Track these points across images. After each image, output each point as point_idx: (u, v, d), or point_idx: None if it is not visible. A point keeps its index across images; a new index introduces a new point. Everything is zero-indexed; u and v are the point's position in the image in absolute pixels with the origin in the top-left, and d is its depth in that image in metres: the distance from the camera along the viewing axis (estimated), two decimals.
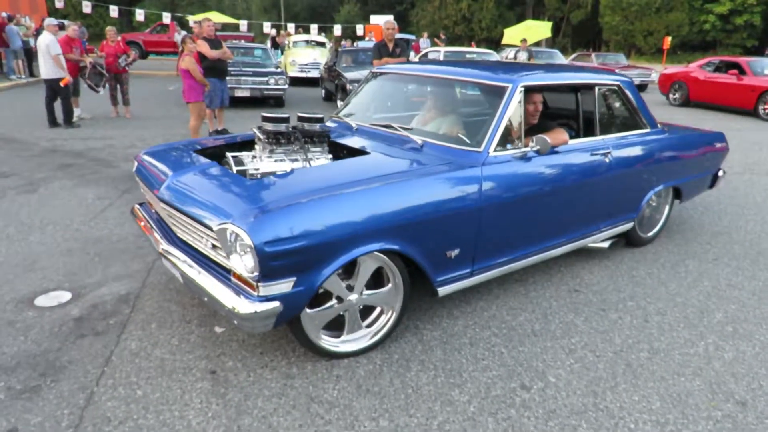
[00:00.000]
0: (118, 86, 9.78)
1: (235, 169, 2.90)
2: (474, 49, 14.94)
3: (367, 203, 2.40)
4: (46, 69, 8.13)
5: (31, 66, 14.78)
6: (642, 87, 18.94)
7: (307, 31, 24.37)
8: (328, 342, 2.57)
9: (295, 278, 2.23)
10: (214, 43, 7.76)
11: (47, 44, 7.99)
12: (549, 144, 2.94)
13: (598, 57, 20.75)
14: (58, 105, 8.40)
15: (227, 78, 10.49)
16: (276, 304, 2.19)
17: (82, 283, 3.28)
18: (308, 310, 2.43)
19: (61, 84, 8.20)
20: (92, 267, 3.52)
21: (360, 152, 3.11)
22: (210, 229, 2.30)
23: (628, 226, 3.91)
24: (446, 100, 3.56)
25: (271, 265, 2.12)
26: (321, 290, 2.43)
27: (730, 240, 4.43)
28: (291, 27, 24.80)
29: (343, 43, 20.03)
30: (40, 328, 2.76)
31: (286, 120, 3.06)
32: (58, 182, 5.47)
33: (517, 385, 2.46)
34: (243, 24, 24.63)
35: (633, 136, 3.78)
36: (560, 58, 19.46)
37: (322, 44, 19.08)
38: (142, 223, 3.08)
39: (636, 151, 3.71)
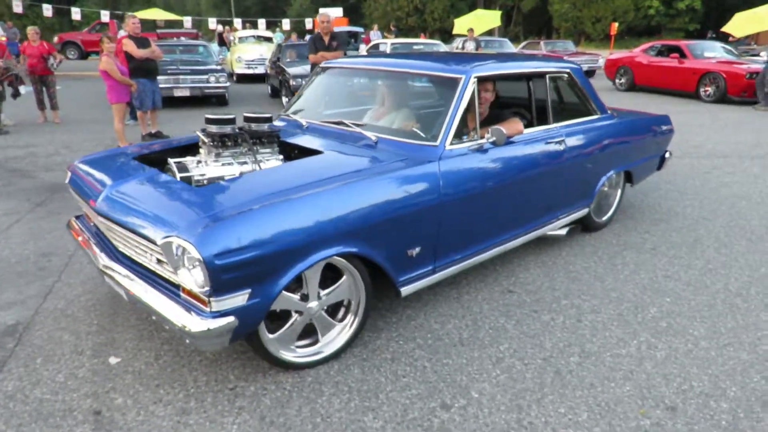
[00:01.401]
0: (44, 89, 9.18)
1: (179, 176, 2.67)
2: (421, 40, 14.76)
3: (322, 207, 2.25)
4: None
5: None
6: (590, 73, 19.20)
7: (255, 26, 23.74)
8: (307, 354, 2.47)
9: (250, 290, 2.06)
10: (141, 41, 7.32)
11: None
12: (505, 135, 2.89)
13: (547, 44, 20.91)
14: None
15: (162, 77, 10.11)
16: (231, 319, 2.02)
17: None
18: (270, 336, 2.31)
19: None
20: None
21: (312, 152, 2.90)
22: (154, 242, 2.07)
23: (584, 212, 3.94)
24: (399, 93, 3.41)
25: (222, 278, 1.95)
26: (277, 310, 2.31)
27: (669, 228, 4.37)
28: (238, 23, 24.12)
29: (290, 38, 19.58)
30: None
31: (231, 121, 2.86)
32: None
33: (437, 405, 2.27)
34: (187, 20, 23.80)
35: (584, 122, 3.77)
36: (510, 47, 19.55)
37: (269, 39, 18.59)
38: (80, 238, 2.80)
39: (588, 137, 3.70)
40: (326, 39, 6.81)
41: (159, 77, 9.59)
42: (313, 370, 2.48)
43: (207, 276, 1.91)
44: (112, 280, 2.40)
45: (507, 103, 4.12)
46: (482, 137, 2.93)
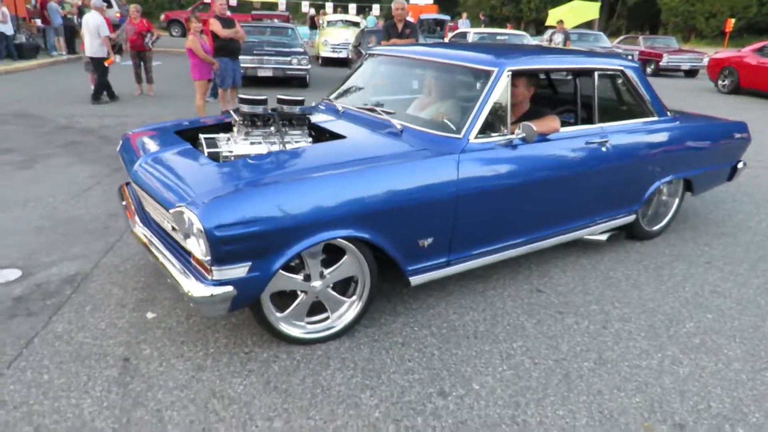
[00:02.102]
0: (142, 64, 9.92)
1: (207, 151, 2.83)
2: (507, 30, 14.38)
3: (329, 190, 2.33)
4: (93, 48, 8.46)
5: (72, 43, 15.25)
6: (692, 72, 17.93)
7: (346, 11, 24.14)
8: (319, 329, 2.59)
9: (250, 263, 2.18)
10: (227, 22, 7.71)
11: (97, 25, 8.35)
12: (535, 131, 2.80)
13: (646, 40, 19.70)
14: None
15: (247, 57, 10.60)
16: (229, 288, 2.16)
17: (37, 262, 3.31)
18: (278, 314, 2.46)
19: (106, 63, 8.54)
20: (54, 246, 3.55)
21: (338, 136, 3.00)
22: (168, 211, 2.28)
23: (630, 218, 3.72)
24: (440, 84, 3.39)
25: (223, 249, 2.09)
26: (287, 291, 2.47)
27: (732, 242, 4.07)
28: (329, 6, 24.63)
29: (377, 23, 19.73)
30: None
31: (264, 102, 2.99)
32: (58, 159, 5.58)
33: (434, 391, 2.31)
34: (282, 3, 24.60)
35: (637, 124, 3.58)
36: (605, 41, 18.58)
37: (356, 24, 18.85)
38: (123, 203, 3.11)
39: (638, 139, 3.52)
40: (399, 26, 6.86)
41: (245, 57, 10.14)
42: (324, 345, 2.60)
43: (207, 246, 2.06)
44: (142, 243, 2.64)
45: (553, 99, 4.03)
46: (512, 133, 2.87)
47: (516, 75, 3.03)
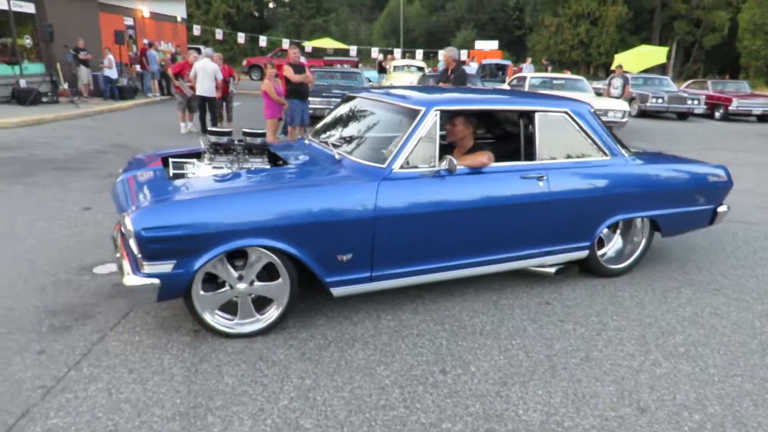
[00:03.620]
0: (224, 104, 11.16)
1: (172, 172, 3.46)
2: (564, 75, 14.79)
3: (251, 204, 2.83)
4: (207, 88, 9.92)
5: (164, 86, 17.10)
6: (765, 117, 17.46)
7: (413, 56, 25.37)
8: (221, 323, 3.01)
9: (175, 261, 2.69)
10: (298, 68, 8.71)
11: (215, 70, 9.91)
12: (455, 164, 3.15)
13: (716, 84, 19.46)
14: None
15: (316, 98, 11.62)
16: (155, 281, 2.66)
17: None
18: (202, 292, 2.89)
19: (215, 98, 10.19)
20: None
21: (287, 163, 3.58)
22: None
23: (581, 254, 3.86)
24: (381, 120, 3.74)
25: (149, 248, 2.61)
26: (220, 279, 2.95)
27: (749, 273, 4.30)
28: (398, 52, 25.97)
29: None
30: (87, 288, 3.59)
31: (228, 134, 3.68)
32: None
33: (437, 369, 2.80)
34: (353, 49, 26.24)
35: (580, 162, 3.74)
36: (669, 85, 18.54)
37: (421, 69, 19.84)
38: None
39: (582, 177, 3.68)
40: (449, 71, 7.55)
41: (314, 99, 11.17)
42: (351, 330, 3.16)
43: (137, 244, 2.60)
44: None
45: (502, 137, 4.52)
46: (438, 165, 3.22)
47: (455, 114, 3.61)
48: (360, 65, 24.17)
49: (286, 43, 26.04)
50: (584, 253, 3.86)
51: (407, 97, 3.57)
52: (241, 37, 25.81)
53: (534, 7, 47.85)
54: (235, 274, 2.95)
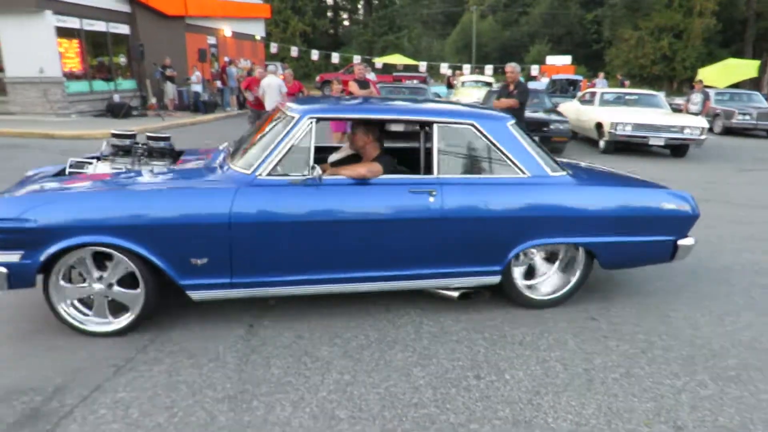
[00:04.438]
0: None
1: (68, 171, 3.57)
2: (638, 90, 14.32)
3: (95, 202, 2.92)
4: (273, 103, 10.42)
5: (241, 100, 18.10)
6: None
7: (482, 71, 25.35)
8: (75, 317, 3.09)
9: (22, 252, 2.84)
10: (363, 84, 9.04)
11: (279, 85, 10.40)
12: (320, 173, 3.09)
13: None
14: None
15: None
16: (3, 270, 2.84)
17: None
18: (62, 282, 3.01)
19: None
20: None
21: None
22: None
23: (492, 279, 3.53)
24: (269, 127, 3.58)
25: (8, 236, 2.80)
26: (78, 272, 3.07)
27: None
28: (467, 68, 26.04)
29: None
30: None
31: (132, 137, 3.83)
32: None
33: (472, 375, 2.89)
34: (423, 65, 26.58)
35: (485, 179, 3.44)
36: (759, 101, 17.43)
37: (489, 84, 19.82)
38: None
39: (485, 195, 3.36)
40: (510, 87, 7.58)
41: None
42: (393, 333, 3.30)
43: None
44: None
45: (410, 148, 4.38)
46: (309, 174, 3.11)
47: (357, 123, 3.58)
48: (431, 80, 24.39)
49: (357, 60, 26.83)
50: (495, 279, 3.53)
51: (292, 106, 3.43)
52: (314, 54, 26.87)
53: (613, 20, 46.37)
54: (96, 274, 3.03)
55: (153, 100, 16.74)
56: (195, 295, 3.13)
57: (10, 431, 2.33)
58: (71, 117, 14.53)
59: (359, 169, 3.30)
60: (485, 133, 3.45)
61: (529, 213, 3.41)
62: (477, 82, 19.84)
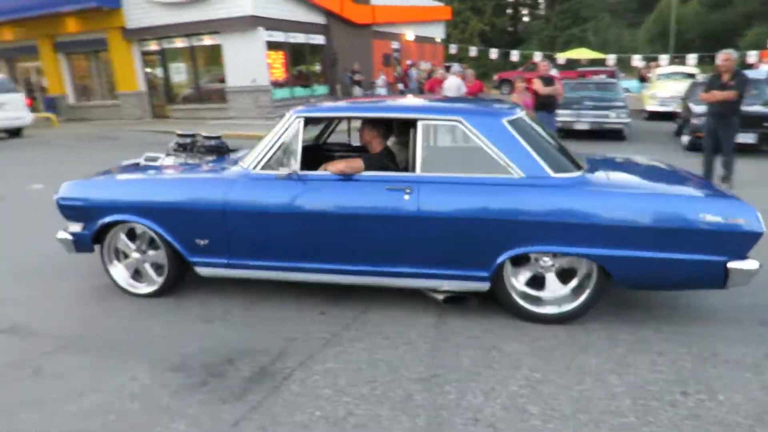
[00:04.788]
0: None
1: (143, 163, 4.21)
2: None
3: (128, 189, 3.71)
4: None
5: None
6: None
7: (683, 62, 22.75)
8: (132, 286, 3.87)
9: (82, 224, 3.75)
10: (547, 81, 8.75)
11: (458, 85, 10.64)
12: (295, 168, 3.34)
13: None
14: None
15: (566, 111, 11.39)
16: (70, 236, 3.80)
17: None
18: (117, 263, 3.87)
19: None
20: None
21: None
22: None
23: (479, 286, 3.33)
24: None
25: (65, 213, 3.80)
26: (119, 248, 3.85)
27: None
28: (663, 58, 23.56)
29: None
30: None
31: (192, 137, 4.39)
32: None
33: (677, 390, 2.66)
34: (611, 58, 24.70)
35: (466, 178, 3.23)
36: None
37: (692, 76, 17.71)
38: None
39: (467, 195, 3.18)
40: (725, 78, 6.65)
41: (564, 111, 11.02)
42: (584, 337, 3.18)
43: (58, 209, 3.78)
44: None
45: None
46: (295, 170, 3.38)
47: (364, 122, 3.71)
48: (621, 74, 22.62)
49: (537, 57, 25.94)
50: (483, 285, 3.31)
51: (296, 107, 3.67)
52: (493, 53, 26.61)
53: None
54: (133, 245, 3.80)
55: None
56: (200, 270, 3.66)
57: (246, 384, 2.78)
58: (276, 120, 16.44)
59: (339, 165, 3.40)
60: (473, 129, 3.26)
61: (518, 217, 3.12)
62: (675, 73, 17.86)
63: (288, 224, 3.37)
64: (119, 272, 3.87)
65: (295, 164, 3.38)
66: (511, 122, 3.32)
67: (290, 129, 3.44)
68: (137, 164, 4.24)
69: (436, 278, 3.36)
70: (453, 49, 27.30)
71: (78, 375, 2.91)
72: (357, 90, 18.11)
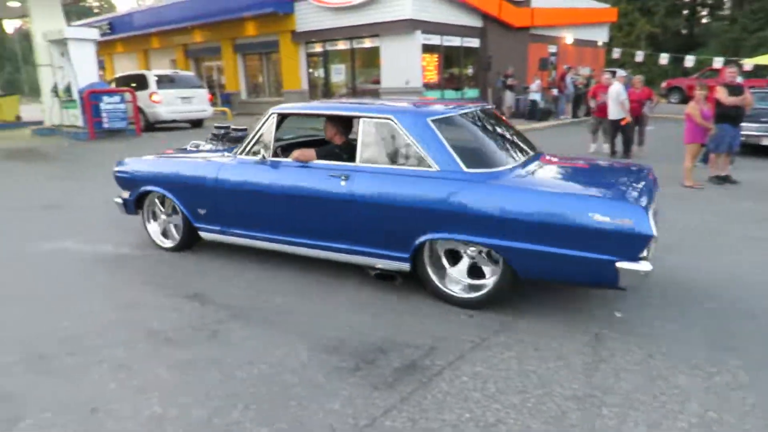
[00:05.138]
0: (637, 128, 10.86)
1: (189, 148, 5.54)
2: None
3: (156, 166, 4.79)
4: (613, 110, 10.22)
5: (576, 109, 17.73)
6: None
7: None
8: (161, 241, 4.95)
9: (129, 191, 4.93)
10: (734, 89, 7.78)
11: (617, 92, 10.04)
12: (263, 155, 4.14)
13: None
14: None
15: (753, 125, 10.07)
16: (120, 200, 5.03)
17: None
18: (153, 222, 5.00)
19: (621, 123, 10.18)
20: None
21: None
22: None
23: (401, 265, 3.76)
24: None
25: (118, 182, 5.03)
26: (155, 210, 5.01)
27: None
28: None
29: None
30: None
31: (226, 128, 5.64)
32: None
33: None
34: None
35: (388, 169, 3.69)
36: None
37: None
38: None
39: (388, 184, 3.64)
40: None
41: (749, 125, 9.74)
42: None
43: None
44: None
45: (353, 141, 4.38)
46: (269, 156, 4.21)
47: (327, 119, 4.39)
48: None
49: (716, 62, 23.26)
50: (405, 265, 3.73)
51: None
52: (663, 58, 24.34)
53: None
54: (162, 210, 4.88)
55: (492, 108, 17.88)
56: (204, 234, 4.60)
57: (396, 374, 2.87)
58: None
59: (295, 153, 4.05)
60: (402, 127, 3.67)
61: (429, 206, 3.48)
62: None
63: (258, 201, 4.16)
64: (153, 228, 5.01)
65: (267, 152, 4.14)
66: (436, 121, 3.66)
67: (267, 123, 4.19)
68: (185, 148, 5.51)
69: (370, 256, 3.84)
70: (616, 53, 25.44)
71: (247, 344, 3.23)
72: (508, 95, 17.73)
